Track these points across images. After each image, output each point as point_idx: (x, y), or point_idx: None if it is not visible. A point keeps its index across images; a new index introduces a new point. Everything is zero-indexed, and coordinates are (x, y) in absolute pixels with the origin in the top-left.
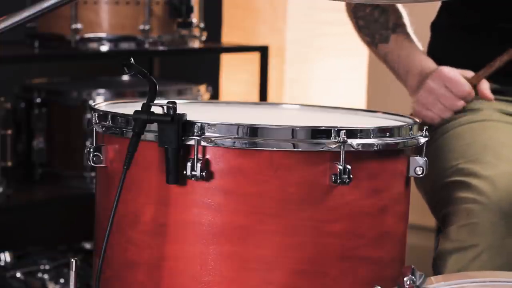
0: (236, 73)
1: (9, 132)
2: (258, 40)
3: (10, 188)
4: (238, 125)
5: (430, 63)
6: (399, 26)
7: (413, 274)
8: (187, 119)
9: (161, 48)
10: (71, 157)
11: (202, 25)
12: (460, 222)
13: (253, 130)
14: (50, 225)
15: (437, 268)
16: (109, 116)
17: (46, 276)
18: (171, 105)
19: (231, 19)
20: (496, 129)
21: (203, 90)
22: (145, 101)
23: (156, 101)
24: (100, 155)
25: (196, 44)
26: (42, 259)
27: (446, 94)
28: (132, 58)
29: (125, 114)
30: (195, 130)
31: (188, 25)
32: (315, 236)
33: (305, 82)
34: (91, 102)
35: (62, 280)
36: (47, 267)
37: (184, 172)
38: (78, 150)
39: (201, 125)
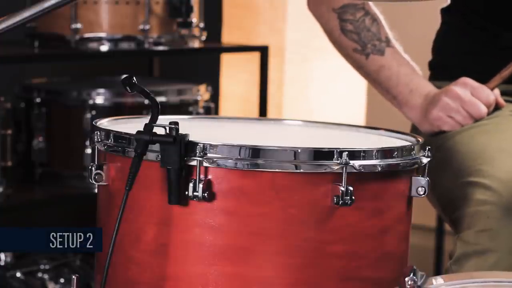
0: (236, 73)
1: (9, 132)
2: (258, 40)
3: (10, 188)
4: (240, 146)
5: (433, 86)
6: (391, 40)
7: (414, 274)
8: (190, 139)
9: (161, 48)
10: (71, 157)
11: (202, 25)
12: (480, 226)
13: (255, 151)
14: (50, 225)
15: (452, 272)
16: (111, 135)
17: (46, 276)
18: (173, 126)
19: (231, 19)
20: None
21: (203, 90)
22: (147, 121)
23: (158, 121)
24: (102, 173)
25: (196, 44)
26: (42, 259)
27: (472, 101)
28: (134, 77)
29: (127, 133)
30: (197, 151)
31: (188, 25)
32: (316, 257)
33: (305, 82)
34: (93, 113)
35: (62, 280)
36: (47, 267)
37: (186, 192)
38: (78, 150)
39: (203, 145)
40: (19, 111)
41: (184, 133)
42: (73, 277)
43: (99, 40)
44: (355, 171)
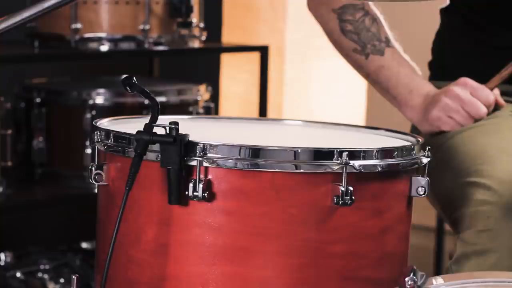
0: (236, 73)
1: (9, 132)
2: (258, 40)
3: (10, 188)
4: (240, 146)
5: (432, 86)
6: (391, 40)
7: (414, 274)
8: (190, 139)
9: (161, 48)
10: (71, 157)
11: (202, 25)
12: (480, 226)
13: (255, 151)
14: (50, 225)
15: (452, 272)
16: (111, 135)
17: (46, 276)
18: (173, 126)
19: (231, 19)
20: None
21: (203, 90)
22: (147, 121)
23: (158, 121)
24: (102, 173)
25: (196, 44)
26: (42, 259)
27: (472, 101)
28: (134, 77)
29: (127, 133)
30: (197, 151)
31: (188, 25)
32: (316, 257)
33: (305, 82)
34: (93, 114)
35: (62, 280)
36: (47, 267)
37: (186, 192)
38: (78, 150)
39: (203, 145)
40: (19, 111)
41: (184, 133)
42: (73, 277)
43: (99, 40)
44: (355, 171)
